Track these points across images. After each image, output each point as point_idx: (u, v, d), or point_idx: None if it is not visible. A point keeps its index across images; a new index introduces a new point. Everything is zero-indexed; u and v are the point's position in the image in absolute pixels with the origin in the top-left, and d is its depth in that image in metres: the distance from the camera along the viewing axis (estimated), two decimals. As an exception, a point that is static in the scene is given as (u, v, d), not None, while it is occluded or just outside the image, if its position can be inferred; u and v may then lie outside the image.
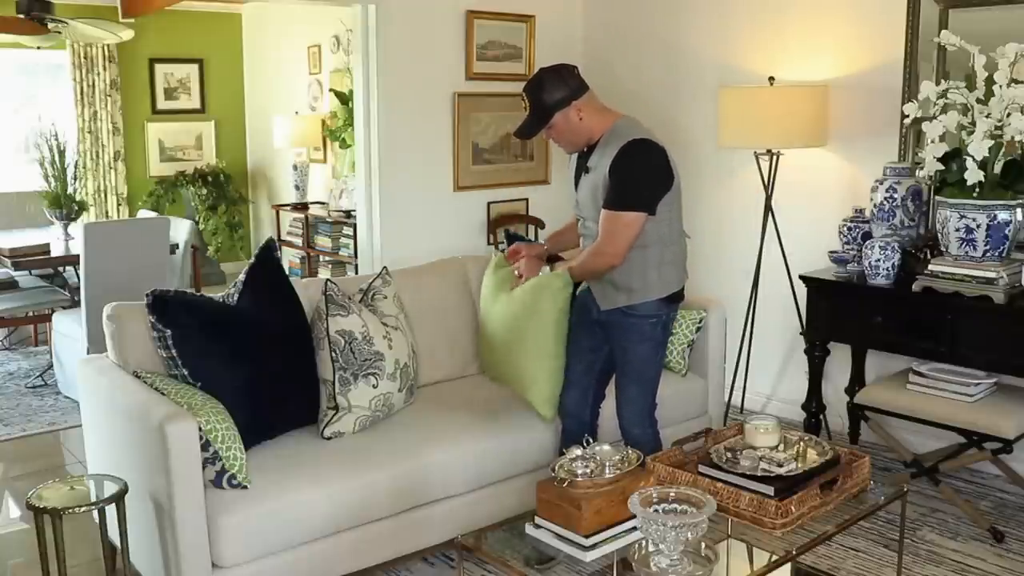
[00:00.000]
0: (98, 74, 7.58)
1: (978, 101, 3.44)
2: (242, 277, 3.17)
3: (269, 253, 3.27)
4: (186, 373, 2.90)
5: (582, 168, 3.07)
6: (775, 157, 4.32)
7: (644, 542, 2.18)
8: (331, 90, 7.08)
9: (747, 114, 4.29)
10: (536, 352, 3.23)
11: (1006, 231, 3.45)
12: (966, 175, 3.38)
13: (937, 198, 3.70)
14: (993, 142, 3.36)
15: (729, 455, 2.52)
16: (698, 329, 3.80)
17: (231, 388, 2.92)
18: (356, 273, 5.58)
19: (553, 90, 2.94)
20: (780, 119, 4.19)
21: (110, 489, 2.72)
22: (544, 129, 3.01)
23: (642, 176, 2.92)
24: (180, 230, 5.72)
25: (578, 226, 3.19)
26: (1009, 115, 3.32)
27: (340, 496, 2.85)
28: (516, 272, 3.28)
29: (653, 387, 3.16)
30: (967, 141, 3.39)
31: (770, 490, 2.36)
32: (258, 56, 8.28)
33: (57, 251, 5.55)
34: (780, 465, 2.46)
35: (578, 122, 2.97)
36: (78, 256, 5.02)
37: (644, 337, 3.06)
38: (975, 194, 3.43)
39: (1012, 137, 3.31)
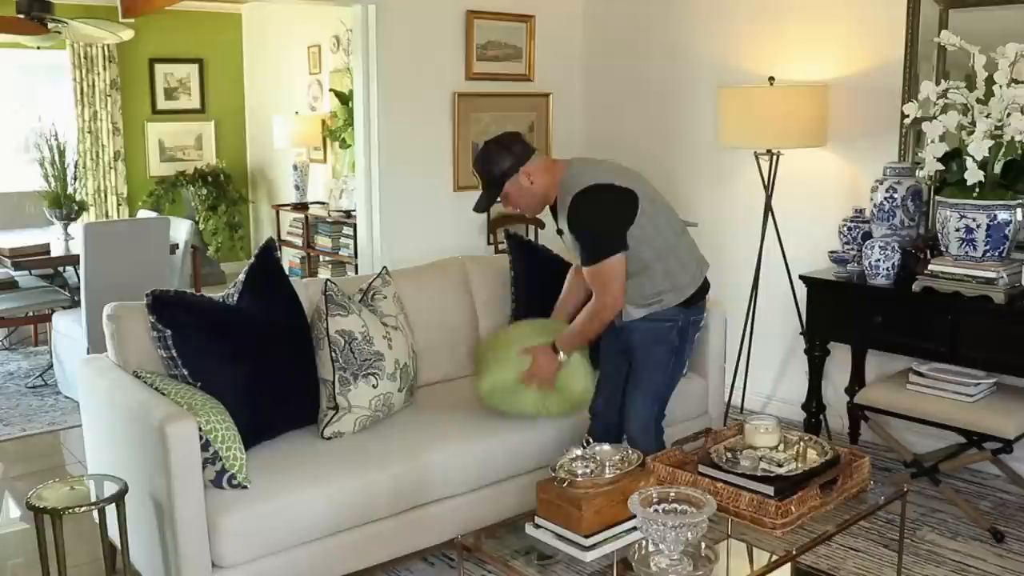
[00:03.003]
0: (98, 74, 7.58)
1: (978, 101, 3.44)
2: (242, 277, 3.17)
3: (269, 253, 3.27)
4: (186, 373, 2.90)
5: (559, 231, 3.13)
6: (775, 157, 4.32)
7: (644, 542, 2.18)
8: (331, 90, 7.08)
9: (747, 114, 4.29)
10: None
11: (1006, 231, 3.45)
12: (966, 175, 3.37)
13: (937, 198, 3.70)
14: (993, 142, 3.36)
15: (729, 455, 2.52)
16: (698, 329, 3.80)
17: (231, 388, 2.92)
18: (356, 273, 5.58)
19: (500, 160, 2.98)
20: (780, 119, 4.19)
21: (110, 489, 2.72)
22: (500, 198, 3.05)
23: (598, 226, 2.95)
24: (180, 230, 5.73)
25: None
26: (1009, 115, 3.32)
27: (340, 496, 2.85)
28: (540, 381, 3.20)
29: (663, 394, 3.16)
30: (967, 141, 3.39)
31: (770, 490, 2.36)
32: (258, 56, 8.28)
33: (57, 251, 5.54)
34: (780, 465, 2.47)
35: (529, 186, 3.00)
36: (78, 256, 5.03)
37: (659, 339, 3.08)
38: (975, 194, 3.43)
39: (1012, 137, 3.31)
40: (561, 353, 3.15)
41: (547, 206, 3.12)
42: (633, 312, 3.07)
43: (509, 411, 3.28)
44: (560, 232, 3.13)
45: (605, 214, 2.95)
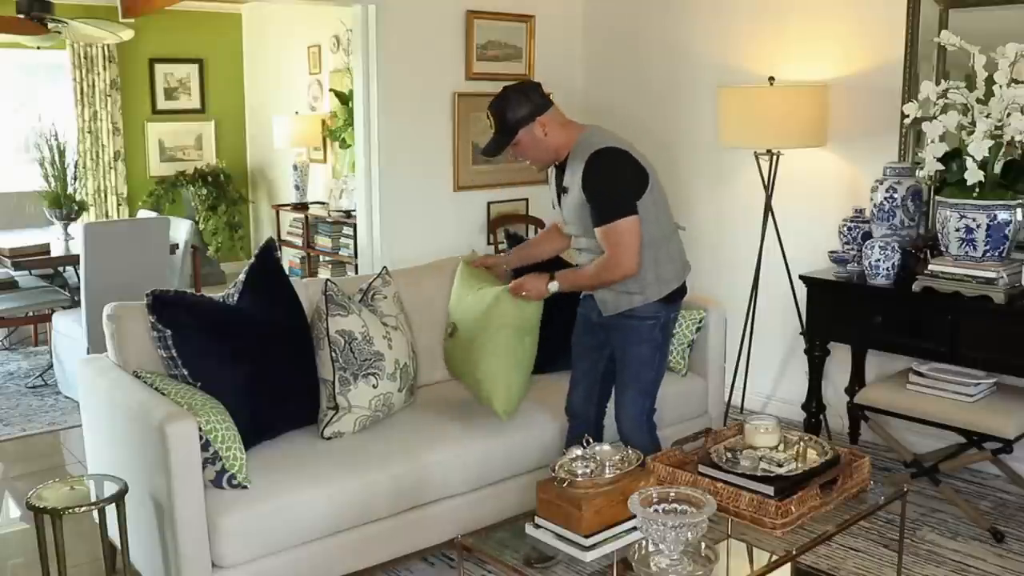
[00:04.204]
0: (98, 74, 7.58)
1: (978, 101, 3.44)
2: (242, 277, 3.17)
3: (269, 253, 3.27)
4: (186, 373, 2.90)
5: (560, 188, 3.07)
6: (775, 157, 4.32)
7: (644, 542, 2.18)
8: (331, 90, 7.08)
9: (747, 114, 4.29)
10: (497, 353, 3.18)
11: (1006, 231, 3.45)
12: (966, 175, 3.38)
13: (937, 198, 3.70)
14: (993, 142, 3.36)
15: (729, 455, 2.52)
16: (698, 329, 3.80)
17: (231, 388, 2.92)
18: (356, 273, 5.58)
19: (517, 107, 2.94)
20: (780, 119, 4.19)
21: (110, 489, 2.72)
22: (511, 146, 3.01)
23: (614, 183, 2.91)
24: (180, 230, 5.73)
25: (572, 243, 3.18)
26: (1009, 115, 3.32)
27: (340, 496, 2.85)
28: (523, 294, 3.12)
29: (651, 390, 3.15)
30: (967, 141, 3.39)
31: (770, 490, 2.36)
32: (258, 56, 8.28)
33: (57, 251, 5.54)
34: (780, 465, 2.47)
35: (543, 137, 2.97)
36: (78, 256, 5.03)
37: (642, 339, 3.06)
38: (975, 194, 3.43)
39: (1012, 137, 3.31)
40: (554, 282, 3.03)
41: (554, 164, 3.06)
42: (610, 302, 3.03)
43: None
44: (563, 191, 3.04)
45: (621, 174, 2.91)
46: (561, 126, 3.00)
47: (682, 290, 3.12)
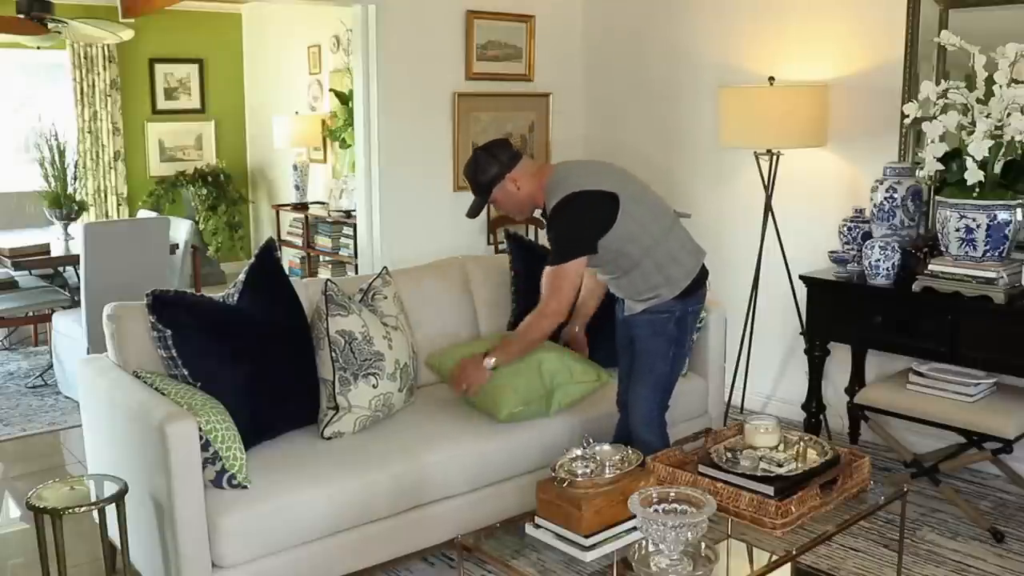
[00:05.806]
0: (98, 74, 7.58)
1: (978, 101, 3.44)
2: (242, 277, 3.17)
3: (269, 253, 3.27)
4: (186, 373, 2.90)
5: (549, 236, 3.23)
6: (775, 157, 4.32)
7: (644, 542, 2.18)
8: (331, 90, 7.09)
9: (747, 114, 4.29)
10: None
11: (1006, 231, 3.45)
12: (966, 175, 3.38)
13: (937, 198, 3.70)
14: (993, 142, 3.36)
15: (729, 455, 2.53)
16: (698, 329, 3.80)
17: (231, 388, 2.92)
18: (356, 273, 5.58)
19: (487, 167, 3.08)
20: (780, 119, 4.19)
21: (110, 489, 2.72)
22: (490, 203, 3.16)
23: (570, 228, 3.02)
24: (180, 230, 5.73)
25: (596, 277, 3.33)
26: (1009, 115, 3.32)
27: (340, 496, 2.85)
28: (465, 391, 3.28)
29: (664, 385, 3.18)
30: (967, 141, 3.39)
31: (770, 490, 2.36)
32: (258, 56, 8.28)
33: (57, 251, 5.54)
34: (780, 465, 2.47)
35: (516, 191, 3.10)
36: (78, 256, 5.03)
37: (656, 331, 3.11)
38: (975, 194, 3.43)
39: (1012, 137, 3.31)
40: (488, 359, 3.20)
41: (538, 209, 3.17)
42: (634, 306, 3.14)
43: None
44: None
45: (575, 220, 3.01)
46: (532, 176, 3.11)
47: (699, 280, 3.17)
